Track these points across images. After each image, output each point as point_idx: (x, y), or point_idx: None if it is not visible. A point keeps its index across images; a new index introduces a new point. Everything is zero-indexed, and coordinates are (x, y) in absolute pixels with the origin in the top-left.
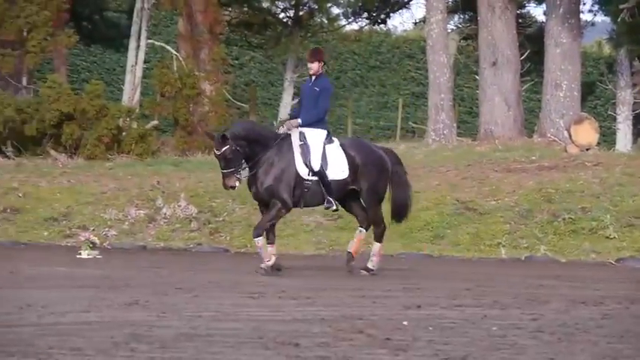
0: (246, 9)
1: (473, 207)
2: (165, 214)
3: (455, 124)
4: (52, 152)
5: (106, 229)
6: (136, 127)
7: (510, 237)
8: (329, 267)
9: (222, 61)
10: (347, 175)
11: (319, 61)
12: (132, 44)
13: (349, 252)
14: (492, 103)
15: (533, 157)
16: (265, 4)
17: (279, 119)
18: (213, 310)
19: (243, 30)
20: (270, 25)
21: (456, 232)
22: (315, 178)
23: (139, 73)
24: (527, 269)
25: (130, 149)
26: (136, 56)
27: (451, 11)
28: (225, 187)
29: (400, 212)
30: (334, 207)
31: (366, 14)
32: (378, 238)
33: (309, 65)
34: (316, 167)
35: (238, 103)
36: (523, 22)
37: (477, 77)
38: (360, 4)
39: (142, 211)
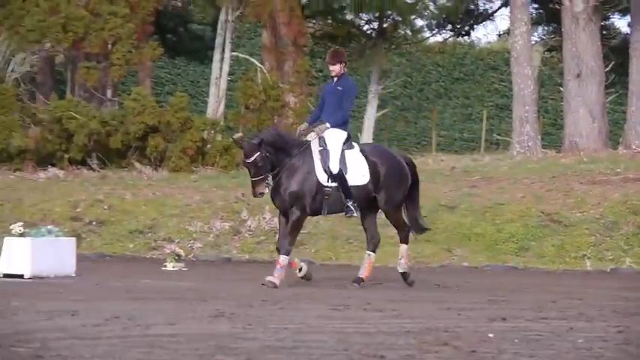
0: (330, 21)
1: (558, 219)
2: (249, 226)
3: (539, 136)
4: (137, 164)
5: (191, 241)
6: (220, 140)
7: (596, 249)
8: (415, 279)
9: (306, 73)
10: (368, 181)
11: (341, 63)
12: (216, 56)
13: (360, 277)
14: (577, 115)
15: (619, 169)
16: (349, 17)
17: (300, 128)
18: (298, 323)
19: (327, 42)
20: (354, 37)
21: (541, 244)
22: (334, 184)
23: (223, 85)
24: (612, 281)
25: (214, 161)
26: (220, 68)
27: (535, 23)
28: (255, 194)
29: (417, 227)
30: (355, 213)
31: (450, 26)
32: (404, 239)
33: (331, 68)
34: (335, 170)
35: None
36: (607, 34)
37: (561, 89)
38: (444, 15)
39: (226, 224)
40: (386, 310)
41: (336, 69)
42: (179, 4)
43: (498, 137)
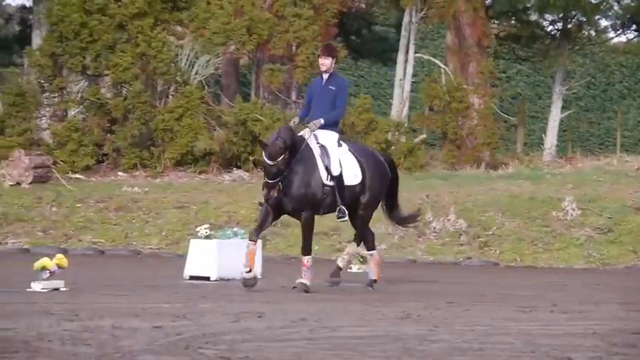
0: (514, 22)
1: None
2: (434, 227)
3: None
4: None
5: (376, 243)
6: (404, 141)
7: None
8: (601, 281)
9: (490, 74)
10: (359, 181)
11: (333, 58)
12: (400, 58)
13: (372, 279)
14: None
15: None
16: (533, 17)
17: (292, 122)
18: (484, 324)
19: (511, 43)
20: (538, 37)
21: None
22: (332, 183)
23: (407, 86)
24: None
25: (398, 163)
26: (404, 70)
27: None
28: (269, 198)
29: (400, 220)
30: (346, 217)
31: (634, 26)
32: (358, 241)
33: (322, 61)
34: (336, 172)
35: (506, 117)
36: None
37: None
38: (629, 15)
39: (411, 225)
40: (572, 311)
41: (326, 63)
42: (363, 5)
43: None
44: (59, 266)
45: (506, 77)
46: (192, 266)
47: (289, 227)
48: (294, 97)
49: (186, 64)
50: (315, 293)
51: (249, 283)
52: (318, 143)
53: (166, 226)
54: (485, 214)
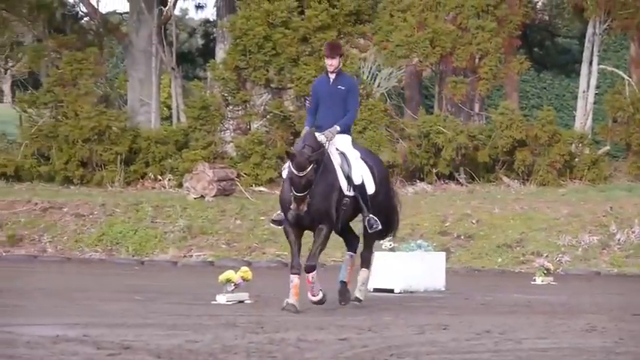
0: None
1: None
2: (619, 240)
3: None
4: (505, 178)
5: (560, 255)
6: (588, 153)
7: None
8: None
9: None
10: (374, 191)
11: (340, 56)
12: (583, 70)
13: (345, 282)
14: None
15: None
16: None
17: (303, 133)
18: None
19: None
20: None
21: None
22: (352, 193)
23: (590, 98)
24: None
25: (582, 175)
26: (588, 81)
27: None
28: (300, 212)
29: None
30: (380, 227)
31: None
32: (368, 263)
33: (330, 62)
34: (357, 180)
35: None
36: None
37: None
38: None
39: (595, 237)
40: None
41: (334, 63)
42: (546, 17)
43: None
44: (244, 279)
45: None
46: (377, 279)
47: (472, 239)
48: (477, 109)
49: (368, 76)
50: (498, 306)
51: (292, 309)
52: (337, 150)
53: None
54: None
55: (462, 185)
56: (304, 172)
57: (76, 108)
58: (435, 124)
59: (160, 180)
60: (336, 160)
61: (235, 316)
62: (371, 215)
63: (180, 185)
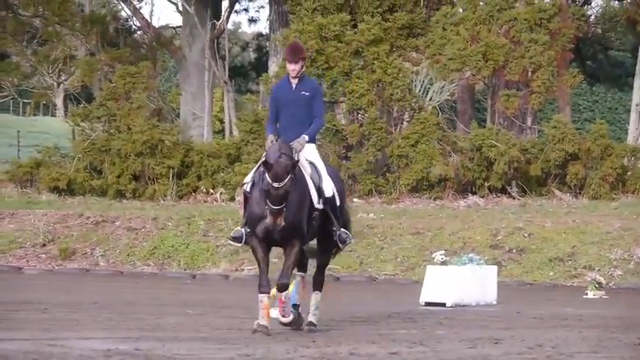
0: None
1: None
2: None
3: None
4: (557, 192)
5: (612, 269)
6: None
7: None
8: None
9: None
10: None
11: (303, 60)
12: (636, 83)
13: (297, 304)
14: None
15: None
16: None
17: (267, 145)
18: None
19: None
20: None
21: None
22: (321, 206)
23: None
24: None
25: (634, 188)
26: None
27: None
28: (277, 226)
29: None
30: (352, 240)
31: None
32: (321, 285)
33: (292, 67)
34: (329, 192)
35: None
36: None
37: None
38: None
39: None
40: None
41: (297, 68)
42: (599, 30)
43: None
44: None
45: None
46: (428, 292)
47: (524, 253)
48: (529, 123)
49: (420, 90)
50: (550, 320)
51: (264, 331)
52: (306, 160)
53: (401, 252)
54: None
55: (514, 199)
56: (282, 183)
57: (129, 122)
58: (487, 138)
59: (212, 194)
60: (307, 170)
61: (287, 329)
62: (342, 230)
63: (232, 199)
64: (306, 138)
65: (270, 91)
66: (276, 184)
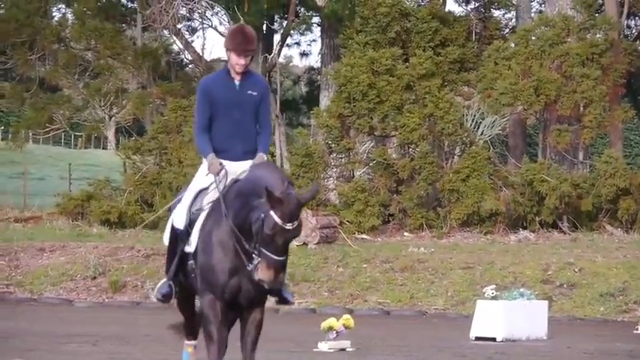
0: None
1: None
2: None
3: None
4: (608, 227)
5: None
6: None
7: None
8: None
9: None
10: None
11: (253, 53)
12: None
13: None
14: None
15: None
16: None
17: (215, 169)
18: None
19: None
20: None
21: None
22: None
23: None
24: None
25: None
26: None
27: None
28: (275, 284)
29: None
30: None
31: None
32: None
33: (239, 60)
34: None
35: None
36: None
37: None
38: None
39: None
40: None
41: (246, 62)
42: None
43: None
44: (346, 326)
45: None
46: (479, 327)
47: (575, 288)
48: (580, 158)
49: (472, 124)
50: (600, 356)
51: None
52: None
53: (452, 286)
54: None
55: (565, 234)
56: (295, 224)
57: (180, 155)
58: (538, 172)
59: None
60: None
61: None
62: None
63: None
64: (265, 157)
65: (198, 85)
66: (288, 226)
